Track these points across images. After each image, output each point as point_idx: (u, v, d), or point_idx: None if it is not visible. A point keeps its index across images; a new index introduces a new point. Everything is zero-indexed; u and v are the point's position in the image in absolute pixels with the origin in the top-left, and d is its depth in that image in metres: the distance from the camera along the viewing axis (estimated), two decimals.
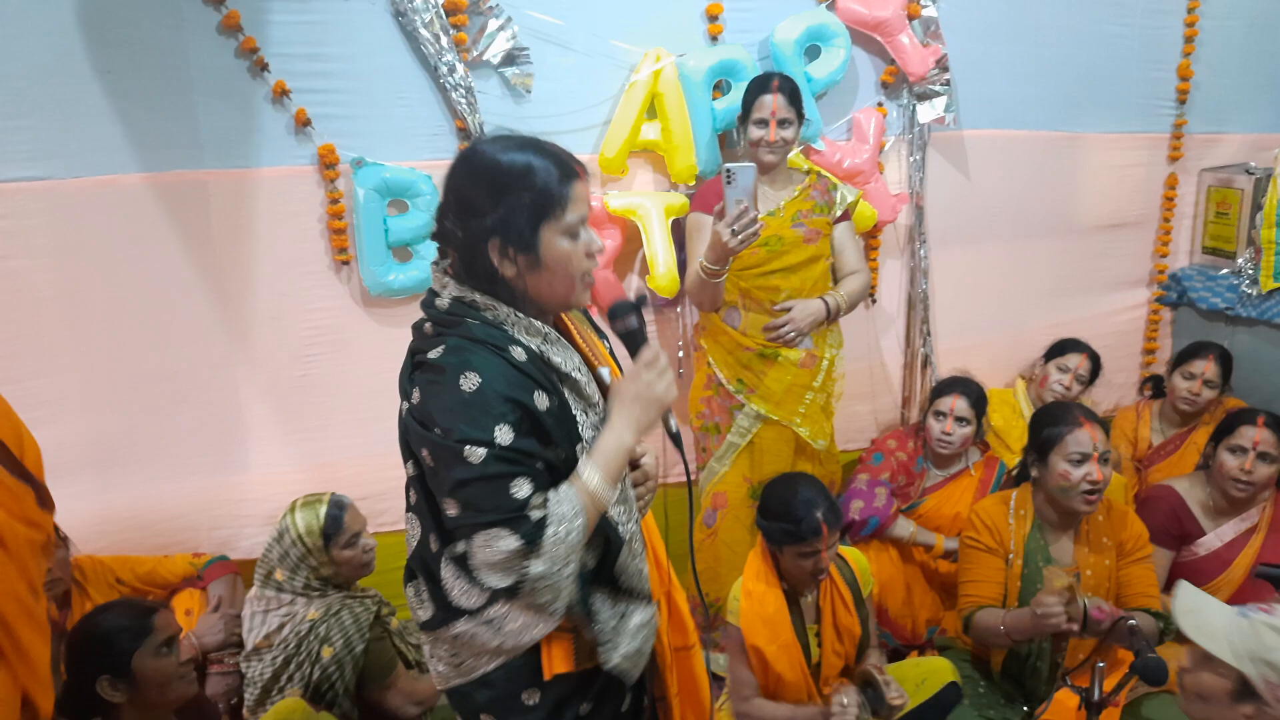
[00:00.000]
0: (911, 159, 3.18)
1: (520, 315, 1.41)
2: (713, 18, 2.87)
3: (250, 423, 2.72)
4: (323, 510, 2.29)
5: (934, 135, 3.19)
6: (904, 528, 2.88)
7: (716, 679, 2.84)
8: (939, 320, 3.37)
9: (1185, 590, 1.63)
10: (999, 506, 2.41)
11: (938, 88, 3.09)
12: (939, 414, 2.91)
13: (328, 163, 2.60)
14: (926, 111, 3.12)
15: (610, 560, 1.48)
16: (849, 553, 2.36)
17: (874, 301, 3.29)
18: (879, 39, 3.02)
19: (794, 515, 2.14)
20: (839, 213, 2.77)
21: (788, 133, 2.59)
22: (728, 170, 2.28)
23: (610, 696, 1.57)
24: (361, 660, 2.19)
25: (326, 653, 2.15)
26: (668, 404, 1.48)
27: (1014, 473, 2.57)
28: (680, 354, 3.03)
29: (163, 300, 2.53)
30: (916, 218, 3.25)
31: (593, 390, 1.48)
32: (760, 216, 2.61)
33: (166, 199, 2.49)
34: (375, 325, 2.75)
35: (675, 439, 1.53)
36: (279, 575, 2.25)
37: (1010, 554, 2.35)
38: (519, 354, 1.37)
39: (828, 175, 2.83)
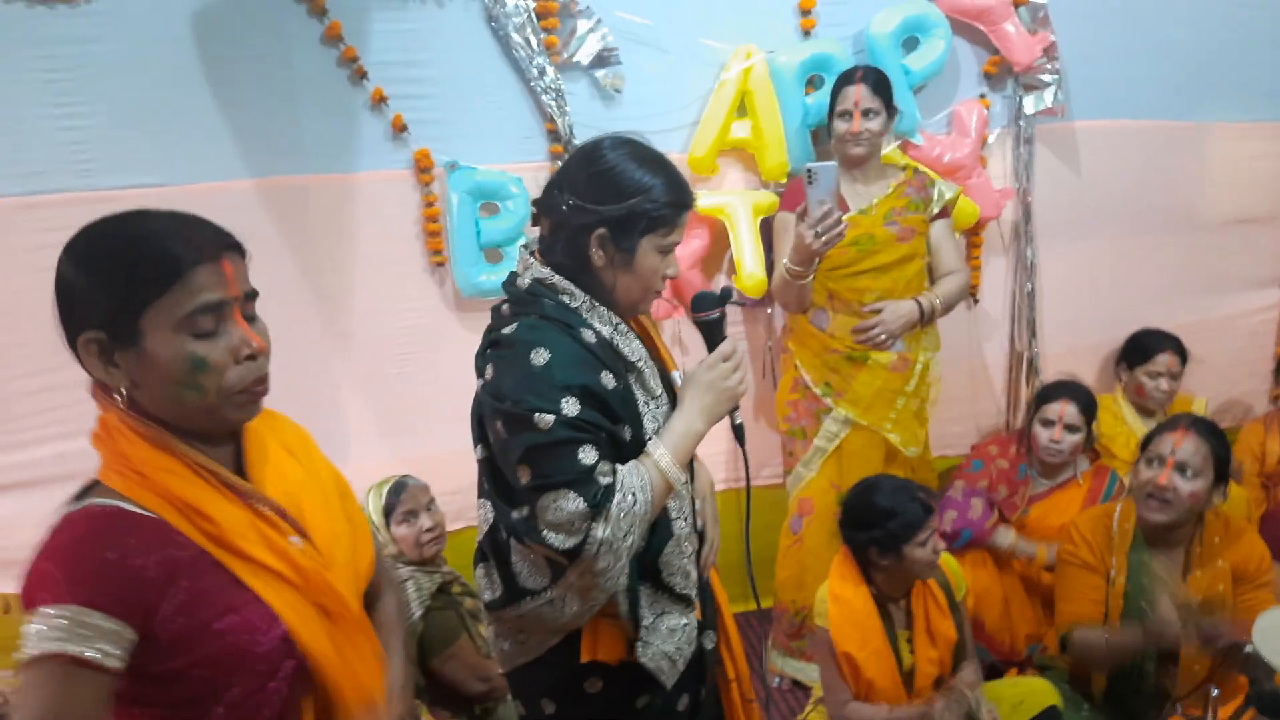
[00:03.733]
0: (1017, 152, 3.04)
1: (595, 302, 1.47)
2: (805, 12, 2.82)
3: (349, 417, 2.83)
4: (386, 490, 2.40)
5: (1041, 127, 3.04)
6: (1004, 537, 2.76)
7: (802, 687, 2.80)
8: (1046, 322, 3.21)
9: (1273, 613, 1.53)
10: (1101, 519, 2.29)
11: (1046, 77, 2.95)
12: (1047, 421, 2.77)
13: (423, 167, 2.67)
14: (1033, 102, 2.97)
15: (655, 549, 1.51)
16: (941, 557, 2.28)
17: (976, 302, 3.16)
18: (981, 28, 2.89)
19: (893, 510, 2.09)
20: (936, 210, 2.67)
21: (873, 124, 2.52)
22: (809, 170, 2.23)
23: (665, 692, 1.58)
24: (420, 627, 2.25)
25: None
26: (739, 397, 1.53)
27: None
28: (768, 355, 2.98)
29: (267, 299, 2.63)
30: (1023, 214, 3.11)
31: (657, 384, 1.54)
32: (851, 215, 2.55)
33: (271, 203, 2.60)
34: (467, 325, 2.81)
35: (739, 433, 1.58)
36: None
37: (1112, 570, 2.22)
38: (589, 336, 1.45)
39: (925, 171, 2.73)
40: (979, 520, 2.75)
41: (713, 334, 1.56)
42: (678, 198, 1.47)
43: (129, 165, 2.50)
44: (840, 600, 2.16)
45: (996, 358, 3.26)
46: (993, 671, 2.67)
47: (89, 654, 0.97)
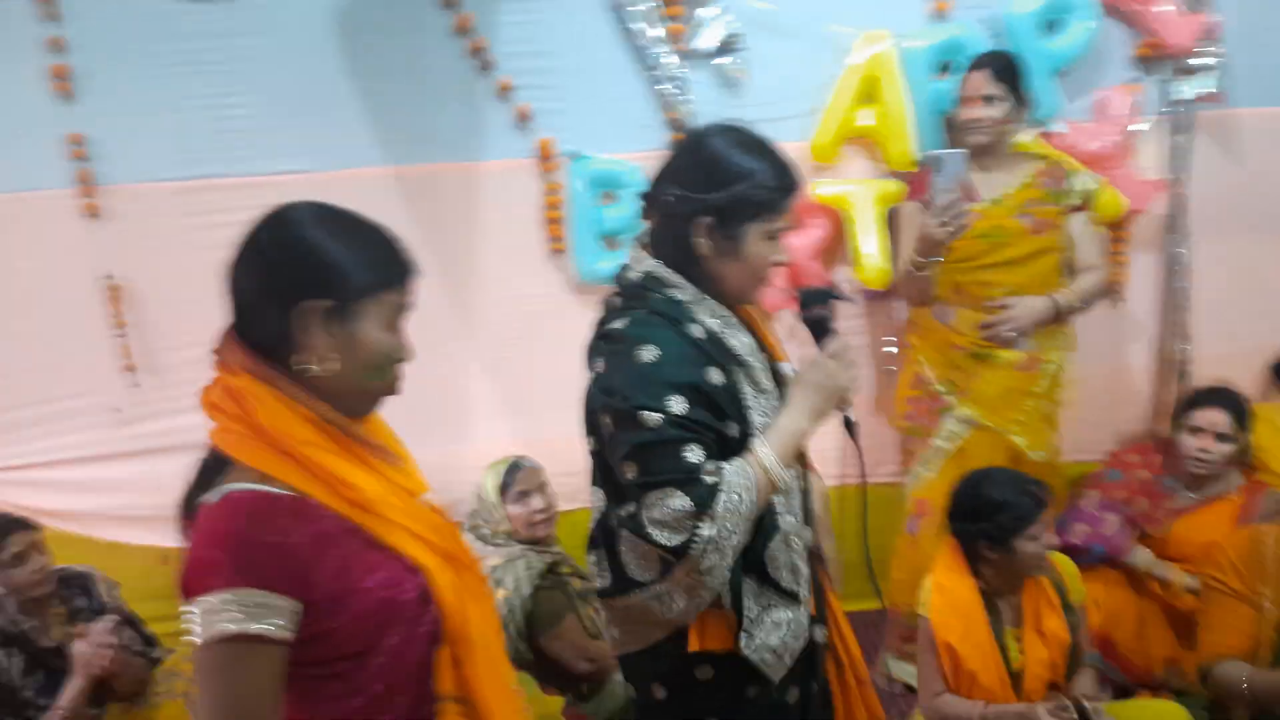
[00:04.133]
0: (1171, 142, 2.83)
1: (704, 296, 1.47)
2: None
3: (472, 398, 2.93)
4: (503, 469, 2.48)
5: (1200, 115, 2.82)
6: (1139, 557, 2.58)
7: (914, 691, 2.72)
8: (1198, 324, 2.98)
9: None
10: (1253, 543, 2.10)
11: (1205, 61, 2.73)
12: (1195, 428, 2.57)
13: (546, 156, 2.73)
14: (1191, 88, 2.76)
15: (761, 544, 1.49)
16: (1058, 558, 2.20)
17: (1120, 300, 2.97)
18: (1134, 8, 2.71)
19: (1005, 502, 2.02)
20: (1075, 202, 2.52)
21: (994, 111, 2.41)
22: (935, 157, 2.15)
23: (777, 685, 1.56)
24: (530, 605, 2.31)
25: (500, 595, 2.29)
26: (848, 396, 1.51)
27: None
28: (893, 350, 2.89)
29: None
30: (1176, 208, 2.89)
31: (766, 378, 1.52)
32: (980, 205, 2.45)
33: (403, 189, 2.72)
34: (585, 311, 2.81)
35: (851, 429, 1.55)
36: (476, 527, 2.45)
37: (1265, 602, 2.04)
38: (697, 331, 1.45)
39: (1064, 160, 2.59)
40: (1113, 537, 2.59)
41: (819, 331, 1.53)
42: (783, 182, 1.45)
43: (277, 152, 2.67)
44: (944, 590, 2.11)
45: (1141, 361, 3.05)
46: (1122, 692, 2.52)
47: (264, 629, 1.03)
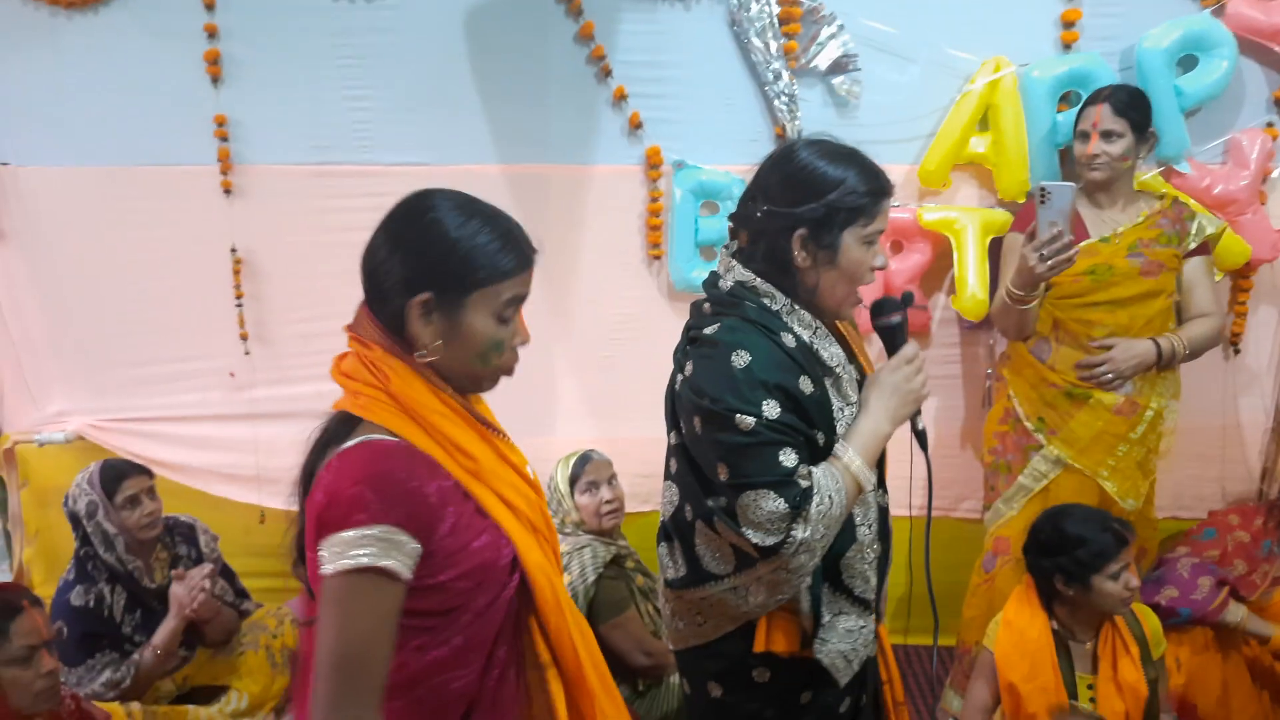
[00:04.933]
0: None
1: (795, 306, 1.49)
2: (1069, 24, 2.65)
3: (561, 396, 3.00)
4: (574, 461, 2.55)
5: None
6: (1233, 614, 2.46)
7: None
8: None
9: None
10: None
11: None
12: None
13: (653, 163, 2.78)
14: None
15: (838, 551, 1.51)
16: (1138, 607, 2.13)
17: (1236, 352, 2.83)
18: (1276, 49, 2.58)
19: (1084, 538, 1.99)
20: (1193, 245, 2.43)
21: (1113, 148, 2.33)
22: (1042, 189, 2.10)
23: (831, 691, 1.59)
24: (593, 591, 2.35)
25: (564, 580, 2.33)
26: (922, 399, 1.54)
27: None
28: (988, 383, 2.83)
29: None
30: None
31: (854, 390, 1.54)
32: (1090, 242, 2.38)
33: (514, 188, 2.80)
34: (676, 318, 2.86)
35: (921, 438, 1.58)
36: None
37: None
38: (789, 340, 1.47)
39: (1186, 202, 2.49)
40: (1203, 601, 2.48)
41: (894, 339, 1.57)
42: (874, 185, 1.47)
43: (399, 145, 2.80)
44: (1013, 627, 2.08)
45: (1255, 417, 2.89)
46: None
47: (396, 566, 1.11)
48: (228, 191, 2.83)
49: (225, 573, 2.66)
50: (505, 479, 1.25)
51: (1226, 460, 2.91)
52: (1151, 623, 2.13)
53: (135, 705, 2.31)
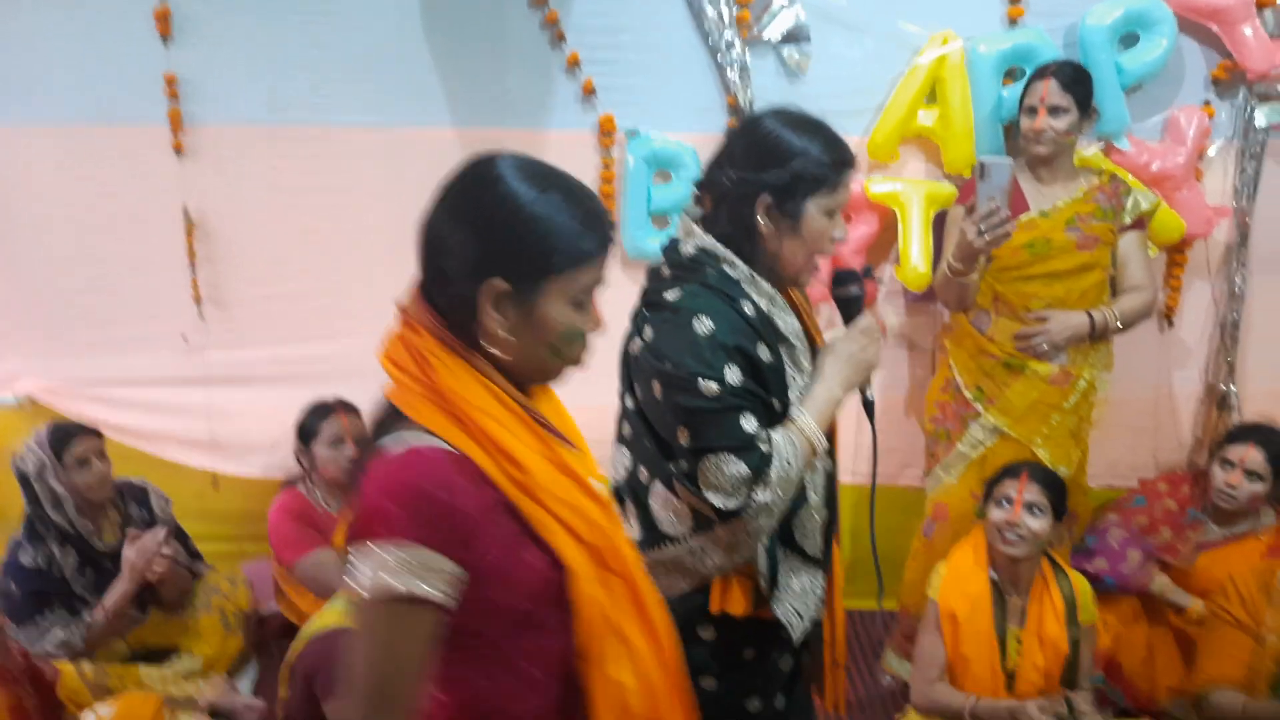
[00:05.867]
0: (1241, 168, 2.77)
1: (755, 275, 1.52)
2: (1014, 0, 2.69)
3: None
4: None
5: (1274, 143, 2.75)
6: (1157, 582, 2.57)
7: (909, 688, 2.75)
8: (1251, 357, 2.92)
9: None
10: (1262, 575, 2.09)
11: None
12: (1227, 463, 2.54)
13: (606, 130, 2.79)
14: (1267, 114, 2.69)
15: (790, 511, 1.55)
16: (1075, 575, 2.25)
17: (1170, 325, 2.92)
18: (1214, 29, 2.65)
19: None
20: (1128, 220, 2.50)
21: (1058, 123, 2.38)
22: (982, 164, 2.15)
23: (775, 650, 1.65)
24: None
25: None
26: (874, 368, 1.60)
27: None
28: (932, 353, 2.90)
29: None
30: (1238, 236, 2.83)
31: (807, 360, 1.57)
32: (1029, 216, 2.45)
33: (466, 151, 2.76)
34: (630, 285, 2.88)
35: (869, 408, 1.62)
36: None
37: (1268, 632, 2.03)
38: (748, 308, 1.49)
39: (1123, 178, 2.56)
40: (1131, 574, 2.59)
41: (850, 309, 1.61)
42: (837, 156, 1.50)
43: (355, 106, 2.78)
44: (957, 571, 2.21)
45: (1187, 390, 2.99)
46: (1123, 716, 2.51)
47: (428, 592, 1.00)
48: (179, 152, 2.81)
49: (178, 535, 2.68)
50: (562, 496, 1.09)
51: (1159, 431, 3.01)
52: (1082, 587, 2.22)
53: (86, 664, 2.33)
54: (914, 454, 2.94)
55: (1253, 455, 2.50)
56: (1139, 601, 2.62)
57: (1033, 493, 2.19)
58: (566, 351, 1.11)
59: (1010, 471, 2.27)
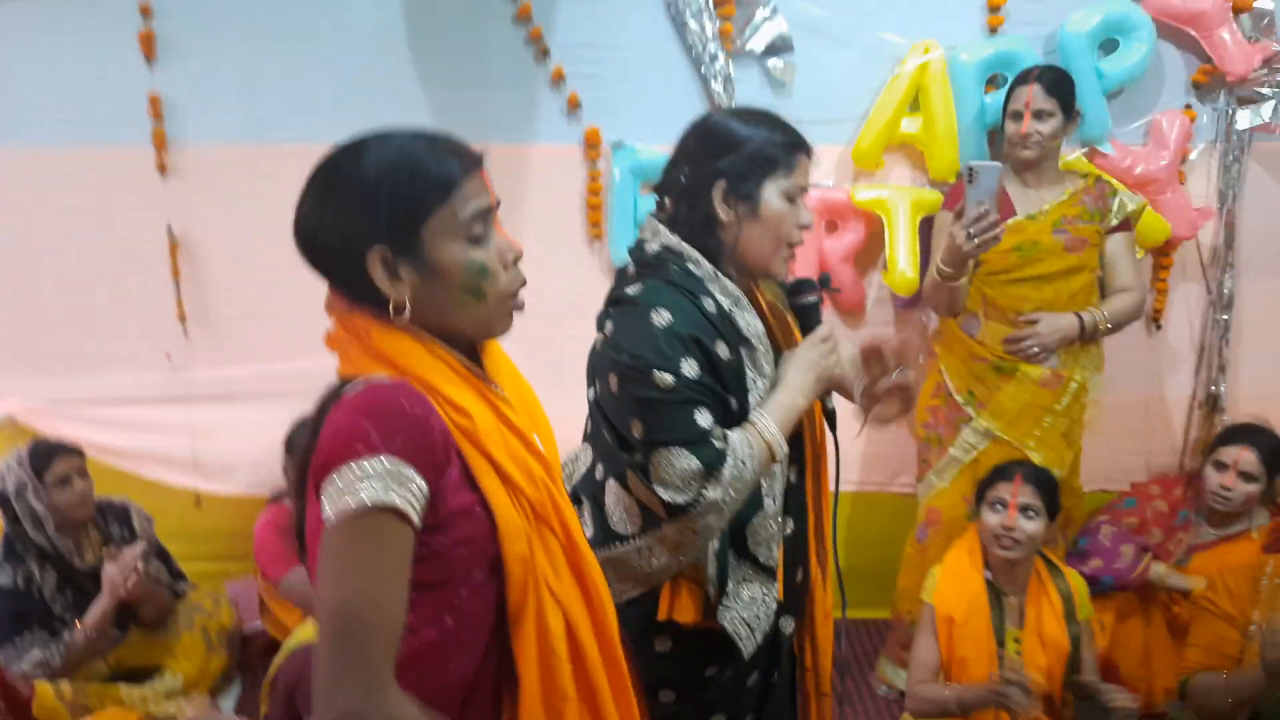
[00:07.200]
0: (1223, 170, 2.78)
1: (719, 274, 1.50)
2: (994, 9, 2.71)
3: None
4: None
5: (1256, 145, 2.77)
6: (1155, 572, 2.56)
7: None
8: (1241, 360, 2.92)
9: None
10: (1251, 569, 2.08)
11: (1265, 90, 2.68)
12: (1220, 464, 2.53)
13: (591, 144, 2.80)
14: (1248, 117, 2.72)
15: (744, 518, 1.52)
16: (1069, 572, 2.24)
17: (1158, 328, 2.92)
18: (1193, 33, 2.68)
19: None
20: (1114, 222, 2.50)
21: (1044, 127, 2.39)
22: (970, 168, 2.15)
23: (737, 667, 1.58)
24: None
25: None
26: (835, 378, 1.56)
27: None
28: (920, 360, 2.89)
29: None
30: (1223, 238, 2.84)
31: (768, 363, 1.54)
32: (1016, 220, 2.45)
33: None
34: None
35: (830, 418, 1.61)
36: None
37: (1254, 625, 2.01)
38: (709, 305, 1.47)
39: (1108, 180, 2.57)
40: (1126, 568, 2.57)
41: (809, 318, 1.59)
42: (789, 138, 1.49)
43: (340, 123, 2.66)
44: (951, 573, 2.20)
45: (1178, 392, 2.99)
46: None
47: (403, 505, 0.94)
48: (163, 172, 2.80)
49: (160, 554, 2.65)
50: (504, 445, 1.06)
51: (1150, 434, 3.00)
52: (1078, 584, 2.22)
53: (65, 684, 2.28)
54: (905, 461, 2.93)
55: (1246, 456, 2.49)
56: (1135, 600, 2.59)
57: (1026, 495, 2.17)
58: (484, 288, 1.06)
59: (1003, 473, 2.25)
